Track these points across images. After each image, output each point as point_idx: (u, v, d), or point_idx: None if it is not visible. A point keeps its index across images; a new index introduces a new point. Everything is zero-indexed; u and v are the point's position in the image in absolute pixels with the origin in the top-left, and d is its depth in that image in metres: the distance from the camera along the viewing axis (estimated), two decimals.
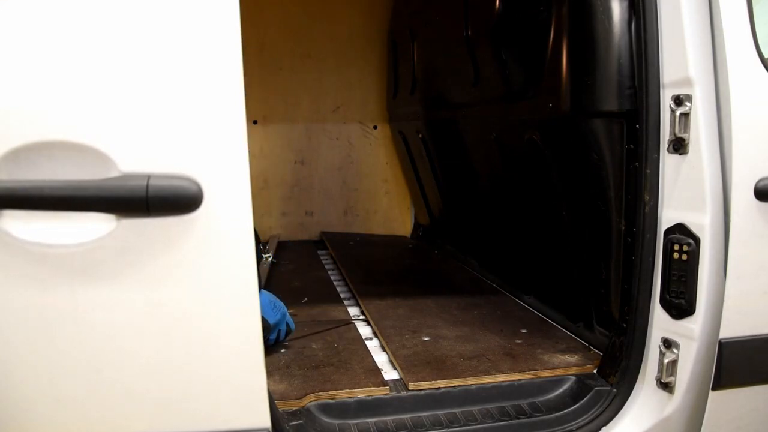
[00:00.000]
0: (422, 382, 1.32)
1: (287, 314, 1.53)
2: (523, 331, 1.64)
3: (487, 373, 1.36)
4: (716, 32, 1.13)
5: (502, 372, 1.36)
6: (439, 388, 1.31)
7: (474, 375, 1.35)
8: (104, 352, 0.89)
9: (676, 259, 1.16)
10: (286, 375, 1.35)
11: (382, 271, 2.34)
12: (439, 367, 1.39)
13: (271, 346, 1.50)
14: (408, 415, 1.26)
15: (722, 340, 1.14)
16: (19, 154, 0.81)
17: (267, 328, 1.43)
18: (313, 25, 2.82)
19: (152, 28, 0.85)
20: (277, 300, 1.51)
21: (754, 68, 1.12)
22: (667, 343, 1.19)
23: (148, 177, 0.83)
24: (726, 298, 1.13)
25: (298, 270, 2.38)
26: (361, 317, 1.83)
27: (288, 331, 1.54)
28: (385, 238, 3.01)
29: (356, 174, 3.05)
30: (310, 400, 1.24)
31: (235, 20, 0.86)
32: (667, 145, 1.16)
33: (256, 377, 0.94)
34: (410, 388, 1.31)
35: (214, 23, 0.86)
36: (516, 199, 1.81)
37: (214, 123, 0.86)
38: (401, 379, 1.36)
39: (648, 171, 1.18)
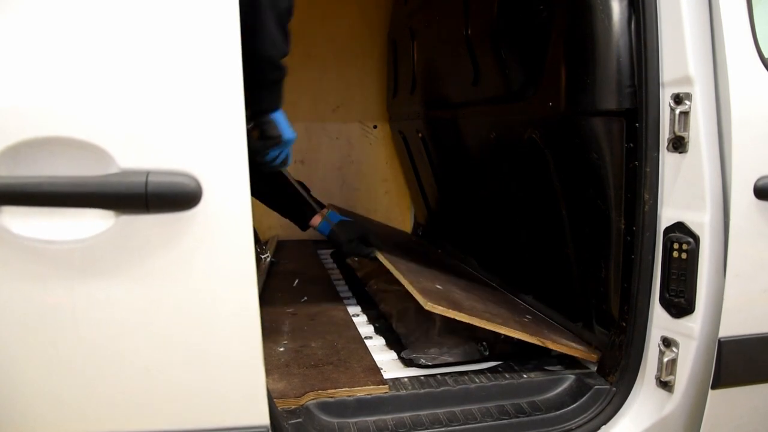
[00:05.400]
0: (440, 307, 1.31)
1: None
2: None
3: (501, 325, 1.37)
4: (716, 31, 1.13)
5: (514, 329, 1.38)
6: (439, 386, 1.31)
7: (489, 321, 1.36)
8: (102, 350, 0.88)
9: (675, 258, 1.16)
10: (286, 373, 1.35)
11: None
12: (456, 308, 1.38)
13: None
14: (407, 414, 1.26)
15: (722, 339, 1.14)
16: (18, 150, 0.81)
17: (278, 139, 1.43)
18: (313, 25, 2.82)
19: (152, 24, 0.85)
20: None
21: (754, 67, 1.12)
22: (667, 342, 1.19)
23: (147, 173, 0.83)
24: (725, 297, 1.13)
25: (298, 270, 2.38)
26: (361, 317, 1.83)
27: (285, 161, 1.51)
28: None
29: (356, 174, 3.05)
30: (309, 399, 1.24)
31: (235, 18, 0.86)
32: (666, 144, 1.16)
33: (255, 375, 0.94)
34: (426, 309, 1.32)
35: (214, 20, 0.86)
36: (516, 198, 1.80)
37: (214, 119, 0.86)
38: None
39: (647, 170, 1.18)
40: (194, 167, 0.85)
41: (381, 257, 1.76)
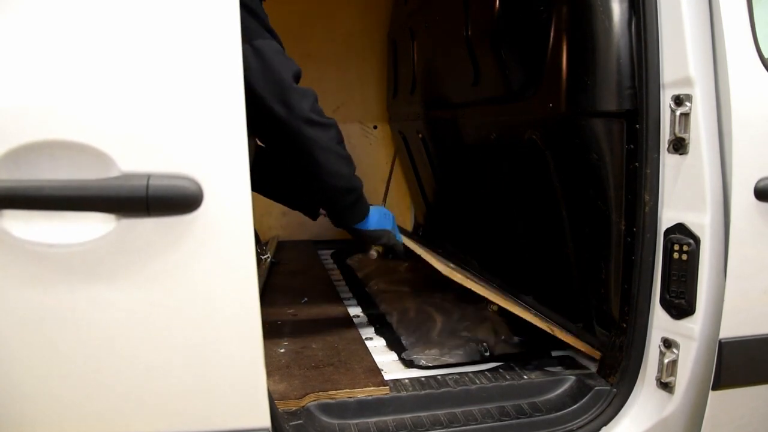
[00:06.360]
0: (459, 275, 1.39)
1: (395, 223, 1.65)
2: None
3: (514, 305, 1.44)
4: (716, 32, 1.13)
5: (527, 312, 1.45)
6: (440, 387, 1.31)
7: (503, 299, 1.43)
8: (103, 352, 0.89)
9: (676, 259, 1.16)
10: (286, 375, 1.35)
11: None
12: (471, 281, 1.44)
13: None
14: (408, 415, 1.26)
15: (722, 340, 1.14)
16: (19, 153, 0.81)
17: (380, 235, 1.59)
18: (313, 25, 2.82)
19: (152, 27, 0.85)
20: (386, 210, 1.65)
21: (754, 68, 1.12)
22: (667, 343, 1.19)
23: (148, 177, 0.83)
24: (726, 298, 1.13)
25: (298, 270, 2.38)
26: (361, 318, 1.83)
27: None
28: None
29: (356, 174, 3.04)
30: (310, 400, 1.24)
31: (236, 19, 0.86)
32: (667, 145, 1.16)
33: (256, 377, 0.94)
34: (444, 274, 1.39)
35: (214, 22, 0.86)
36: (516, 199, 1.80)
37: (215, 122, 0.86)
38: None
39: (648, 171, 1.18)
40: (195, 170, 0.85)
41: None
